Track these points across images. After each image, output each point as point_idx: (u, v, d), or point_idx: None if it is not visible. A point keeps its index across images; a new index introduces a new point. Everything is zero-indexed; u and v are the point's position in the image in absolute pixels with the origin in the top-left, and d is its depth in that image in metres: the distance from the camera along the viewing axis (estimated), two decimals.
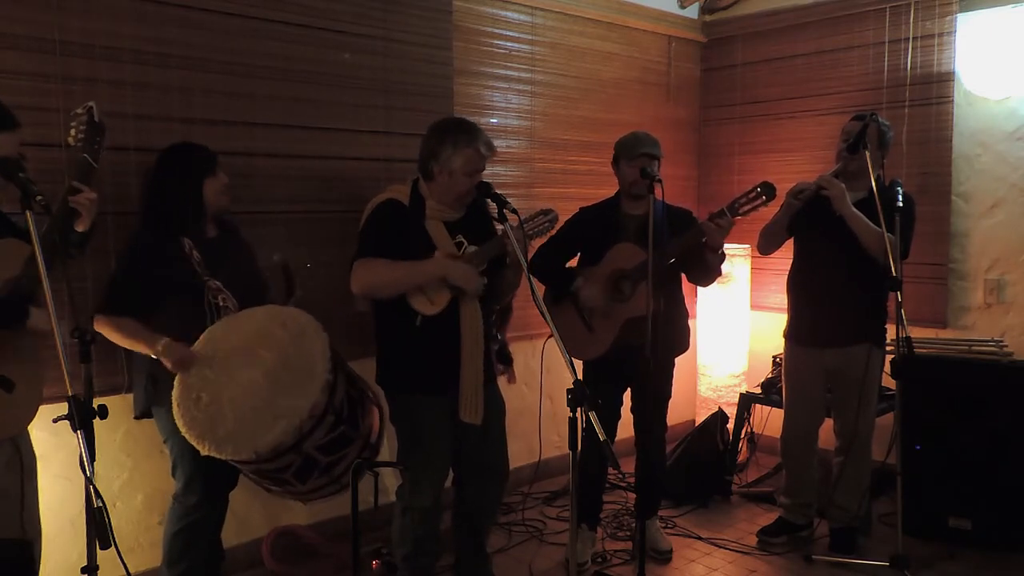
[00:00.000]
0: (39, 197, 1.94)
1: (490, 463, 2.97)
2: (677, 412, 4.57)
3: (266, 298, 2.76)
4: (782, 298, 3.62)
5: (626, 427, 3.47)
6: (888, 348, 3.41)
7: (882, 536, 3.60)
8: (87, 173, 2.27)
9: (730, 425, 4.31)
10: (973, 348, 3.65)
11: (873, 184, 3.11)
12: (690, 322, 3.60)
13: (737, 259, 4.65)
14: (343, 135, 3.47)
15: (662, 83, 4.91)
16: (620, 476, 4.15)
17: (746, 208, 3.10)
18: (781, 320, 3.64)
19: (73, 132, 2.28)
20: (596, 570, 3.38)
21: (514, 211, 2.55)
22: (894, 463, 3.13)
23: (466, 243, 2.80)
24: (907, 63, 4.23)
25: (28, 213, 1.91)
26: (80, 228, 2.28)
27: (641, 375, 3.08)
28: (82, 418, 1.78)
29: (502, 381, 3.14)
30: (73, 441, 1.76)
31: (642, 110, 4.72)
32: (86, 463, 1.74)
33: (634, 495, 3.73)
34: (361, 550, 2.75)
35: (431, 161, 2.74)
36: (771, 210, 3.29)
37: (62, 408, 1.80)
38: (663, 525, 3.72)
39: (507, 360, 3.48)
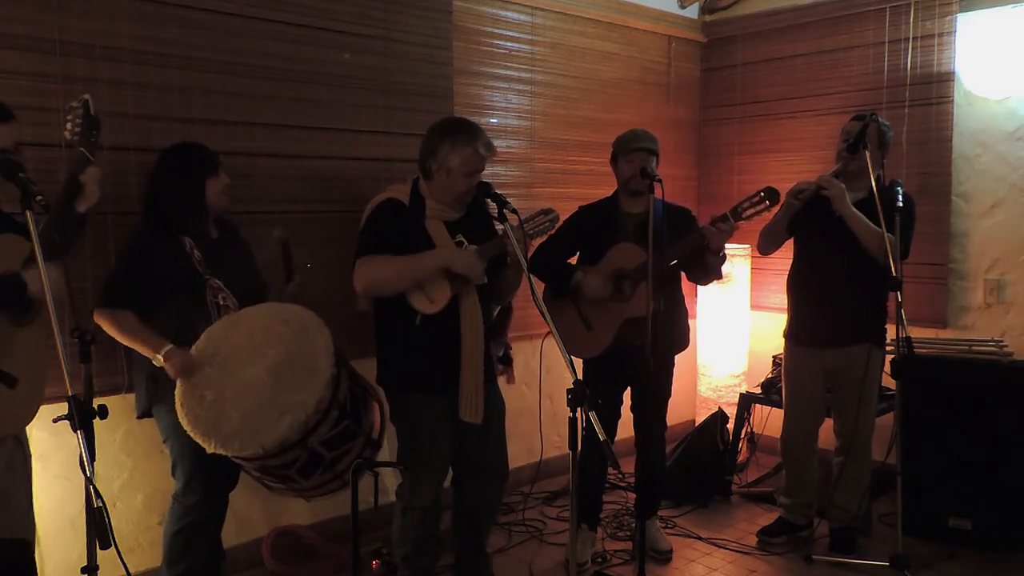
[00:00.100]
0: (39, 197, 1.94)
1: (490, 463, 2.97)
2: (677, 412, 4.57)
3: (265, 299, 2.76)
4: (782, 298, 3.62)
5: (626, 427, 3.47)
6: (888, 348, 3.41)
7: (882, 536, 3.60)
8: (84, 167, 2.27)
9: (730, 425, 4.31)
10: (973, 348, 3.65)
11: (873, 184, 3.11)
12: (690, 322, 3.60)
13: (737, 259, 4.65)
14: (343, 135, 3.47)
15: (662, 83, 4.91)
16: (620, 476, 4.15)
17: (749, 212, 3.11)
18: (781, 320, 3.64)
19: (69, 126, 2.28)
20: (596, 570, 3.38)
21: (514, 211, 2.55)
22: (894, 463, 3.13)
23: (466, 243, 2.80)
24: (907, 63, 4.23)
25: (28, 213, 1.91)
26: (82, 208, 2.27)
27: (641, 375, 3.08)
28: (82, 418, 1.78)
29: (501, 381, 3.14)
30: (73, 441, 1.76)
31: (642, 110, 4.72)
32: (86, 463, 1.74)
33: (634, 495, 3.73)
34: (361, 550, 2.75)
35: (430, 159, 2.75)
36: (771, 210, 3.29)
37: (62, 408, 1.80)
38: (663, 525, 3.72)
39: (507, 361, 3.48)
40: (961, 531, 3.51)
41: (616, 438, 3.47)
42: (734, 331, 4.76)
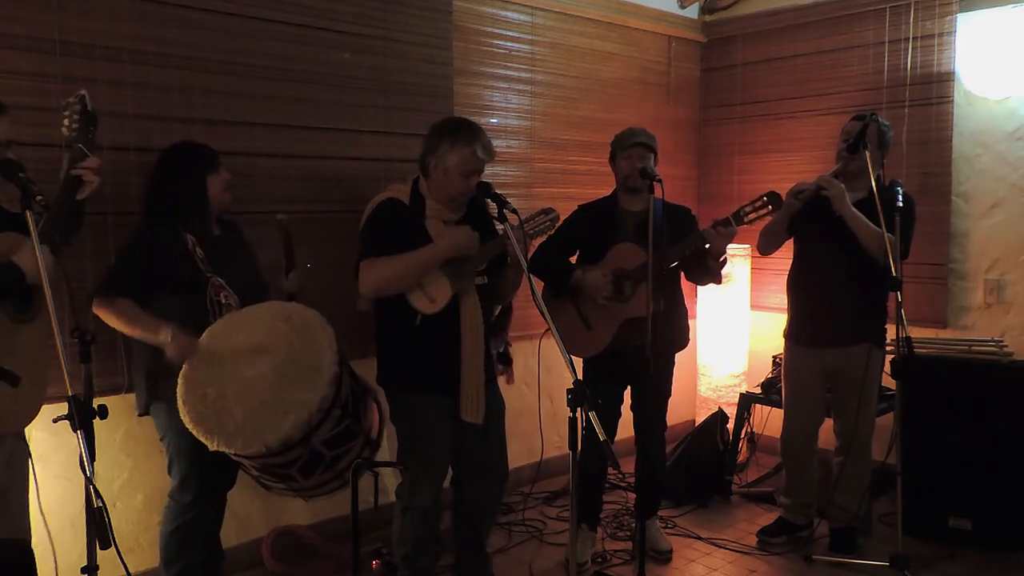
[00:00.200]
0: (39, 197, 1.94)
1: (490, 463, 2.97)
2: (677, 412, 4.57)
3: (267, 298, 2.76)
4: (782, 298, 3.62)
5: (626, 426, 3.47)
6: (888, 348, 3.41)
7: (882, 536, 3.60)
8: (80, 161, 2.26)
9: (730, 425, 4.31)
10: (973, 348, 3.65)
11: (873, 184, 3.11)
12: (690, 322, 3.60)
13: (737, 259, 4.65)
14: (343, 135, 3.47)
15: (662, 83, 4.91)
16: (620, 476, 4.15)
17: (752, 217, 3.13)
18: (781, 320, 3.64)
19: (67, 122, 2.26)
20: (596, 570, 3.38)
21: (514, 211, 2.55)
22: (894, 463, 3.13)
23: None
24: (907, 63, 4.23)
25: (28, 213, 1.91)
26: (81, 196, 2.25)
27: (641, 375, 3.08)
28: (82, 418, 1.78)
29: (501, 381, 3.14)
30: (73, 441, 1.76)
31: (642, 110, 4.72)
32: (86, 463, 1.74)
33: (634, 495, 3.73)
34: (361, 550, 2.75)
35: (429, 156, 2.75)
36: (774, 215, 3.29)
37: (62, 408, 1.80)
38: (663, 525, 3.72)
39: (507, 360, 3.48)
40: (961, 531, 3.51)
41: (616, 438, 3.47)
42: (734, 331, 4.76)
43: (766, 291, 4.80)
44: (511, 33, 4.13)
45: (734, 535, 3.72)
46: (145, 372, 2.61)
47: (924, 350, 3.66)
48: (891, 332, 3.25)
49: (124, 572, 1.96)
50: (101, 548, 1.72)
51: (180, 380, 2.44)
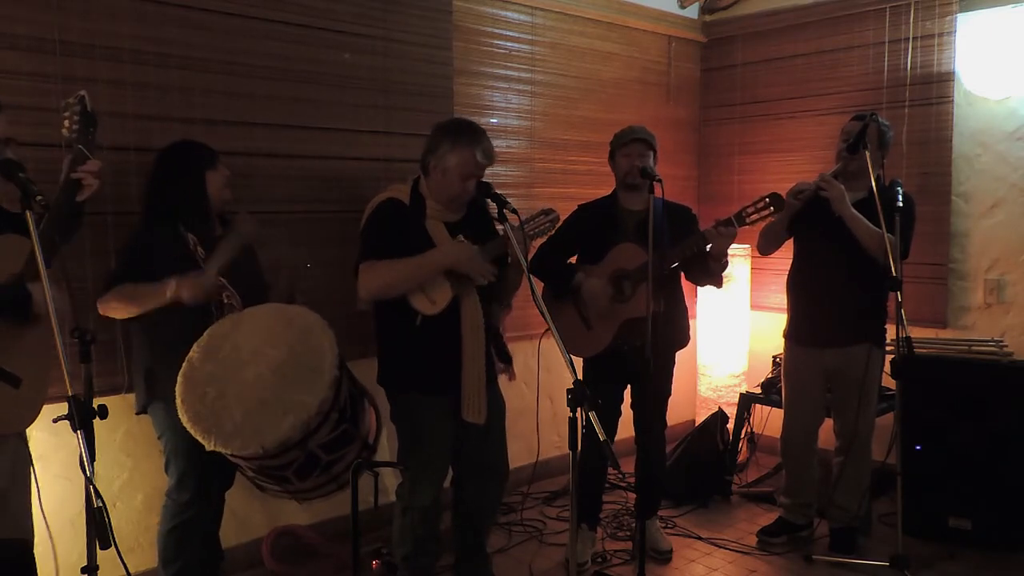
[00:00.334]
0: (39, 197, 1.94)
1: (490, 463, 2.97)
2: (677, 412, 4.57)
3: (268, 297, 2.76)
4: (782, 298, 3.62)
5: (626, 426, 3.46)
6: (888, 348, 3.41)
7: (882, 536, 3.60)
8: (81, 163, 2.26)
9: (730, 425, 4.31)
10: (973, 348, 3.65)
11: (873, 184, 3.11)
12: (690, 321, 3.60)
13: (737, 259, 4.65)
14: (343, 135, 3.47)
15: (662, 83, 4.91)
16: (620, 476, 4.15)
17: (754, 218, 3.13)
18: (781, 320, 3.64)
19: (67, 123, 2.26)
20: (596, 570, 3.38)
21: (514, 211, 2.55)
22: (894, 463, 3.13)
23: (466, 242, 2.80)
24: (907, 63, 4.23)
25: (28, 213, 1.91)
26: (81, 198, 2.25)
27: (641, 375, 3.08)
28: (82, 418, 1.78)
29: (502, 380, 3.14)
30: (73, 441, 1.76)
31: (642, 110, 4.72)
32: (86, 463, 1.74)
33: (634, 495, 3.73)
34: (361, 550, 2.75)
35: (429, 155, 2.75)
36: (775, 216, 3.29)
37: (62, 408, 1.80)
38: (663, 525, 3.72)
39: (506, 358, 3.47)
40: (961, 531, 3.51)
41: (616, 437, 3.47)
42: (734, 331, 4.76)
43: (766, 291, 4.80)
44: (511, 33, 4.13)
45: (734, 535, 3.72)
46: (144, 371, 2.61)
47: (924, 350, 3.66)
48: (891, 332, 3.25)
49: (124, 572, 1.96)
50: (101, 548, 1.71)
51: (180, 379, 2.43)
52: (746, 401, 4.33)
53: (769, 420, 4.43)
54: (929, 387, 3.54)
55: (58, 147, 2.63)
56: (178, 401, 2.40)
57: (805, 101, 4.66)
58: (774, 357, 4.24)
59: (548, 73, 4.31)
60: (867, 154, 3.14)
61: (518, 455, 3.57)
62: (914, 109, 4.21)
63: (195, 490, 2.62)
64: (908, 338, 2.94)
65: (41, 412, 2.27)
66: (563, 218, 3.20)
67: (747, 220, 3.12)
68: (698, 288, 4.63)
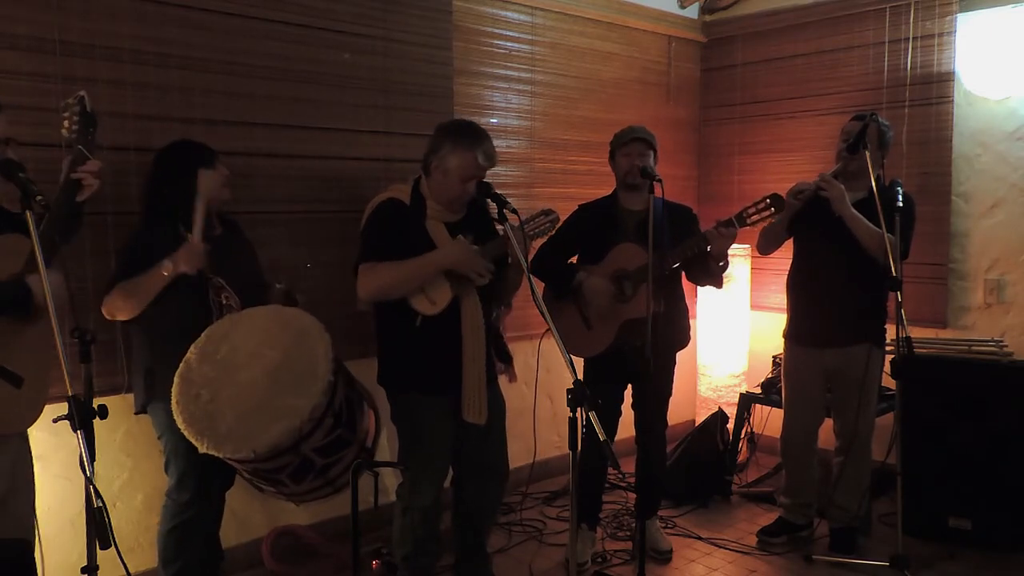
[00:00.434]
0: (39, 197, 1.94)
1: (490, 463, 2.97)
2: (677, 412, 4.57)
3: (266, 297, 2.76)
4: (782, 298, 3.62)
5: (626, 426, 3.47)
6: (888, 348, 3.41)
7: (882, 536, 3.60)
8: (81, 163, 2.26)
9: (730, 425, 4.31)
10: (973, 348, 3.65)
11: (873, 184, 3.11)
12: (690, 321, 3.60)
13: (737, 259, 4.65)
14: (343, 135, 3.47)
15: (662, 83, 4.91)
16: (620, 476, 4.15)
17: (754, 219, 3.13)
18: (781, 320, 3.64)
19: (66, 124, 2.26)
20: (596, 570, 3.38)
21: (514, 211, 2.55)
22: (894, 463, 3.13)
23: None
24: (907, 63, 4.23)
25: (28, 213, 1.91)
26: (81, 198, 2.25)
27: (641, 375, 3.08)
28: (82, 418, 1.78)
29: (502, 380, 3.14)
30: (73, 441, 1.76)
31: (642, 110, 4.72)
32: (86, 463, 1.74)
33: (634, 495, 3.73)
34: (361, 550, 2.75)
35: (431, 155, 2.75)
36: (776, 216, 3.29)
37: (62, 408, 1.80)
38: (663, 525, 3.72)
39: (506, 358, 3.48)
40: (961, 531, 3.51)
41: (616, 437, 3.47)
42: (734, 331, 4.76)
43: (766, 291, 4.80)
44: (511, 33, 4.13)
45: (734, 535, 3.72)
46: (144, 371, 2.61)
47: (924, 350, 3.66)
48: (891, 332, 3.25)
49: (124, 572, 1.96)
50: (101, 548, 1.71)
51: (176, 379, 2.43)
52: (746, 401, 4.33)
53: (769, 420, 4.43)
54: (929, 387, 3.54)
55: (58, 147, 2.63)
56: (173, 402, 2.40)
57: (805, 101, 4.66)
58: (774, 357, 4.24)
59: (548, 73, 4.31)
60: (867, 154, 3.14)
61: (518, 455, 3.57)
62: (914, 109, 4.21)
63: (195, 490, 2.62)
64: (908, 338, 2.94)
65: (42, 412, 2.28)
66: (563, 218, 3.20)
67: (748, 221, 3.13)
68: (698, 288, 4.63)
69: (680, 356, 3.48)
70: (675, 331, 3.37)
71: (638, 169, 3.18)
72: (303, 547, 3.36)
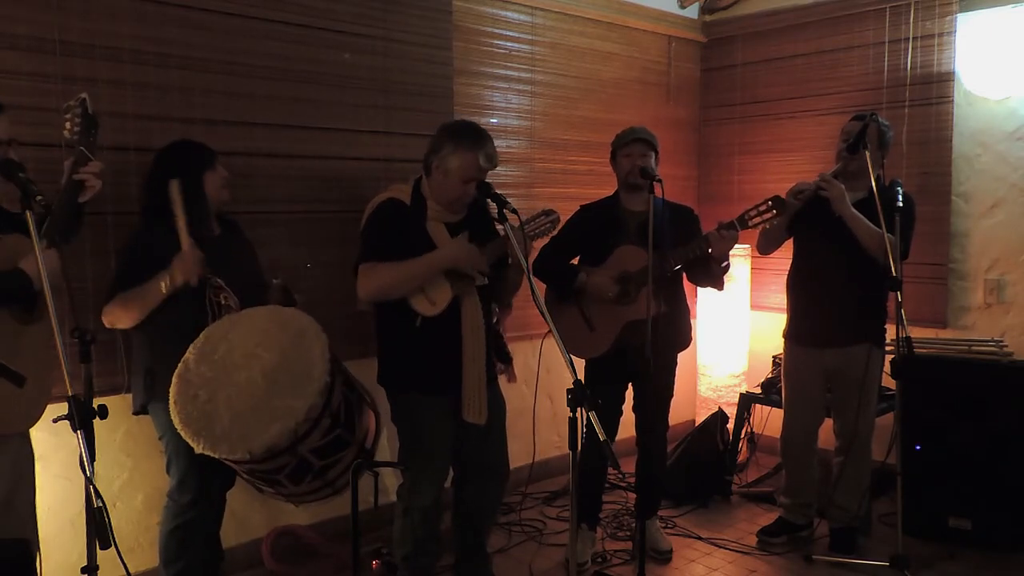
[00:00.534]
0: (39, 197, 1.94)
1: (490, 463, 2.97)
2: (677, 412, 4.55)
3: (265, 297, 2.76)
4: (782, 298, 3.62)
5: (627, 426, 3.47)
6: (888, 348, 3.41)
7: (882, 536, 3.60)
8: (82, 165, 2.26)
9: (730, 425, 4.31)
10: (973, 348, 3.65)
11: (873, 184, 3.11)
12: (691, 321, 3.60)
13: (737, 259, 4.65)
14: (343, 135, 3.47)
15: (662, 83, 4.91)
16: (620, 476, 4.15)
17: (756, 221, 3.14)
18: (781, 320, 3.64)
19: (68, 125, 2.26)
20: (596, 570, 3.38)
21: (514, 211, 2.54)
22: (894, 463, 3.13)
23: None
24: (907, 63, 4.23)
25: (28, 213, 1.91)
26: (83, 199, 2.26)
27: (642, 375, 3.08)
28: (82, 418, 1.78)
29: (502, 380, 3.14)
30: (73, 441, 1.76)
31: (642, 110, 4.72)
32: (86, 463, 1.74)
33: (634, 495, 3.73)
34: (361, 550, 2.75)
35: (432, 155, 2.75)
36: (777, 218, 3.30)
37: (62, 408, 1.80)
38: (663, 525, 3.72)
39: (506, 359, 3.48)
40: (961, 531, 3.51)
41: (617, 437, 3.47)
42: (734, 331, 4.76)
43: (766, 291, 4.80)
44: (511, 33, 4.13)
45: (734, 535, 3.72)
46: (144, 371, 2.61)
47: (924, 350, 3.66)
48: (891, 332, 3.25)
49: (124, 572, 1.96)
50: (101, 548, 1.72)
51: (175, 379, 2.43)
52: (746, 401, 4.33)
53: (769, 420, 4.43)
54: (929, 387, 3.54)
55: (58, 147, 2.64)
56: (171, 402, 2.40)
57: (805, 101, 4.66)
58: (774, 357, 4.24)
59: (548, 73, 4.31)
60: (867, 154, 3.14)
61: (518, 455, 3.56)
62: (914, 109, 4.21)
63: (196, 491, 2.62)
64: (908, 338, 2.94)
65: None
66: (564, 219, 3.20)
67: (749, 223, 3.14)
68: (698, 288, 4.63)
69: (680, 356, 3.48)
70: (676, 332, 3.37)
71: (639, 169, 3.18)
72: (303, 547, 3.36)
